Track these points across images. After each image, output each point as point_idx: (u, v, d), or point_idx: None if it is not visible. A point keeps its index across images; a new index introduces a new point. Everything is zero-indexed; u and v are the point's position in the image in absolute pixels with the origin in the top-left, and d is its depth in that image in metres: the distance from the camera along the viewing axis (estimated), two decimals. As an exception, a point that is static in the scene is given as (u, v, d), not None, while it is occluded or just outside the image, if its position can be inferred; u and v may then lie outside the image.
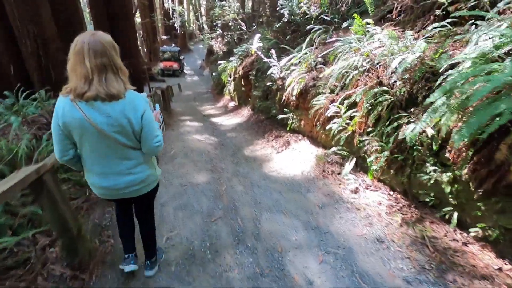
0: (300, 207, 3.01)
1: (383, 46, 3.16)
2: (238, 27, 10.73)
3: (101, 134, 1.43)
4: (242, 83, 8.61)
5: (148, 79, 12.87)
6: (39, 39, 5.38)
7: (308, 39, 5.27)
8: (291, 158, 4.38)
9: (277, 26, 7.88)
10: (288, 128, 5.14)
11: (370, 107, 3.13)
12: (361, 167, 3.34)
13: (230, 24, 12.01)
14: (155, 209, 2.15)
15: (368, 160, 3.10)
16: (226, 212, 2.97)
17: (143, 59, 23.15)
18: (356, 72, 3.44)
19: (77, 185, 3.02)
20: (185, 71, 24.56)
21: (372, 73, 3.28)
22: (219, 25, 13.71)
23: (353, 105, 3.39)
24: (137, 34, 30.15)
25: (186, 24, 32.77)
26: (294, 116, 5.04)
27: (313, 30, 5.33)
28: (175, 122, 7.67)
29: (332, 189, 3.27)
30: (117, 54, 1.44)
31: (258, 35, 6.10)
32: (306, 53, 5.05)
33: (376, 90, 3.01)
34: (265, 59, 6.05)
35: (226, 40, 14.44)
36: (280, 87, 5.56)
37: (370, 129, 3.15)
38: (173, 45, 27.07)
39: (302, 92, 4.61)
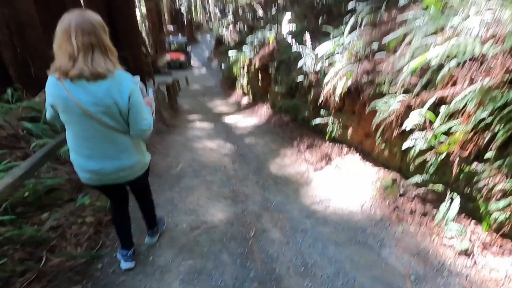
0: (378, 279, 1.89)
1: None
2: (253, 13, 9.45)
3: (87, 114, 1.38)
4: (259, 76, 7.43)
5: (153, 73, 11.77)
6: (12, 24, 4.32)
7: (351, 20, 4.04)
8: (338, 180, 3.25)
9: (302, 8, 6.62)
10: (327, 137, 3.98)
11: (488, 119, 1.96)
12: (467, 210, 2.19)
13: (244, 9, 10.74)
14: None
15: (485, 204, 1.95)
16: (262, 286, 1.87)
17: (148, 49, 22.09)
18: (453, 64, 2.25)
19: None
20: (192, 63, 23.38)
21: (489, 66, 2.09)
22: (230, 11, 12.43)
23: (450, 114, 2.23)
24: (140, 22, 29.02)
25: (193, 13, 31.53)
26: (336, 121, 3.88)
27: (356, 9, 4.11)
28: (182, 123, 6.58)
29: (422, 245, 2.14)
30: (106, 34, 1.39)
31: (288, 15, 4.86)
32: (349, 39, 3.85)
33: (500, 93, 1.83)
34: (294, 48, 4.85)
35: (238, 28, 13.15)
36: (314, 82, 4.38)
37: (487, 153, 1.99)
38: (180, 35, 25.84)
39: (351, 90, 3.44)
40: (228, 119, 7.10)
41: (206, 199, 3.01)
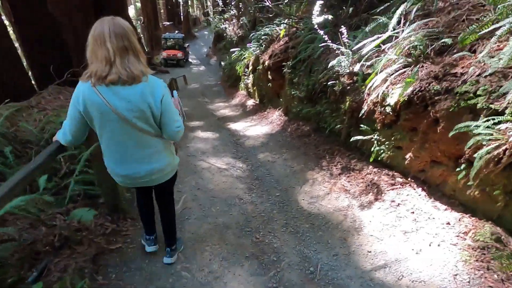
0: None
1: None
2: (260, 3, 8.49)
3: (121, 119, 1.39)
4: (269, 76, 6.51)
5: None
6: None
7: (400, 9, 3.12)
8: (400, 227, 2.37)
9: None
10: (371, 158, 3.09)
11: None
12: None
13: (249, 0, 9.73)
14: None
15: None
16: None
17: (143, 47, 21.01)
18: None
19: None
20: (190, 60, 22.32)
21: None
22: (233, 3, 11.43)
23: None
24: (135, 18, 27.86)
25: (189, 8, 30.35)
26: (385, 140, 2.99)
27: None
28: (181, 132, 5.67)
29: None
30: (136, 38, 1.41)
31: (318, 4, 3.91)
32: (400, 33, 2.95)
33: None
34: (323, 44, 3.94)
35: (242, 22, 12.16)
36: (348, 87, 3.48)
37: None
38: (176, 31, 24.73)
39: (412, 101, 2.55)
40: (235, 126, 6.19)
41: (222, 261, 2.12)
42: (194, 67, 20.71)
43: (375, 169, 3.07)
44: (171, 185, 1.91)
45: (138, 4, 28.56)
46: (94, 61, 1.34)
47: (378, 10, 4.03)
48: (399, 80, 2.77)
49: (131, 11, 30.82)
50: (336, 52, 3.64)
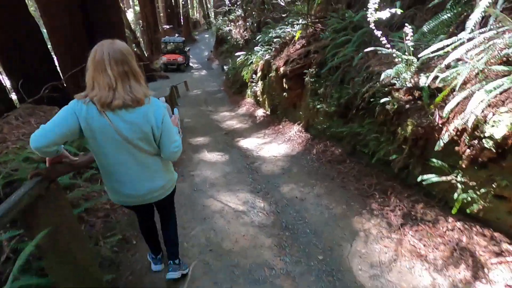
0: None
1: None
2: (271, 1, 7.64)
3: (124, 141, 1.42)
4: (284, 85, 5.64)
5: (146, 79, 9.92)
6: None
7: (483, 2, 2.23)
8: None
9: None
10: (454, 209, 2.19)
11: None
12: None
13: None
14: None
15: None
16: None
17: (142, 51, 20.26)
18: None
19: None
20: (191, 64, 21.56)
21: None
22: (238, 3, 10.58)
23: None
24: (134, 22, 27.14)
25: (190, 11, 29.59)
26: (476, 185, 2.10)
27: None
28: (184, 154, 4.80)
29: None
30: (134, 60, 1.42)
31: None
32: (485, 35, 2.08)
33: None
34: (369, 46, 3.06)
35: (248, 24, 11.31)
36: (407, 106, 2.60)
37: None
38: (176, 35, 23.98)
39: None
40: (246, 143, 5.31)
41: None
42: (195, 72, 19.93)
43: (459, 224, 2.18)
44: (171, 197, 1.90)
45: (137, 8, 27.86)
46: (96, 86, 1.34)
47: (430, 5, 3.18)
48: (504, 102, 1.90)
49: (130, 15, 30.11)
50: (391, 59, 2.77)
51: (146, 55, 22.33)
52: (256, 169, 4.08)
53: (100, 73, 1.32)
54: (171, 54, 18.97)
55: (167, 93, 7.85)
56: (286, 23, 7.15)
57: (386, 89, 2.81)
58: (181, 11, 30.75)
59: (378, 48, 2.81)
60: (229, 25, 13.44)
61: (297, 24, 6.56)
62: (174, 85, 11.51)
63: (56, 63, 5.67)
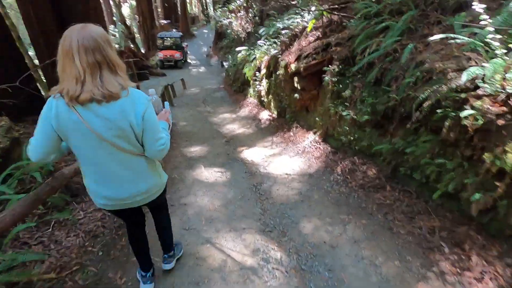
0: None
1: None
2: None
3: (100, 139, 1.27)
4: (295, 85, 4.73)
5: (137, 78, 9.05)
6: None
7: None
8: None
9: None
10: None
11: None
12: None
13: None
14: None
15: None
16: None
17: (138, 47, 19.31)
18: None
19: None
20: (188, 60, 20.57)
21: None
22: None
23: None
24: (130, 16, 26.12)
25: (187, 5, 28.49)
26: None
27: None
28: (176, 169, 3.92)
29: None
30: (112, 48, 1.25)
31: None
32: None
33: None
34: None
35: (251, 14, 10.33)
36: (502, 123, 1.72)
37: None
38: (174, 30, 22.97)
39: None
40: (251, 155, 4.44)
41: None
42: (193, 69, 18.95)
43: None
44: (161, 198, 1.72)
45: (134, 2, 26.83)
46: (65, 78, 1.19)
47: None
48: None
49: (126, 10, 29.04)
50: (457, 52, 1.88)
51: (143, 51, 21.41)
52: (266, 193, 3.21)
53: (68, 63, 1.17)
54: (168, 50, 18.00)
55: (159, 93, 6.94)
56: (296, 12, 6.23)
57: (461, 95, 1.93)
58: (178, 5, 29.64)
59: (452, 35, 1.91)
60: (229, 16, 12.40)
61: (309, 13, 5.64)
62: (170, 84, 10.59)
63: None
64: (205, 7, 31.76)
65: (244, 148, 4.87)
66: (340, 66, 3.50)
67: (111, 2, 24.36)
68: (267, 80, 6.59)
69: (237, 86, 10.23)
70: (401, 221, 2.36)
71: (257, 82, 7.46)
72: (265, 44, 7.10)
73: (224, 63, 15.04)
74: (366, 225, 2.44)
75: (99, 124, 1.24)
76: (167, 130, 1.55)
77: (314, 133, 4.30)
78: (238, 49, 9.22)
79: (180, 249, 2.19)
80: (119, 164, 1.38)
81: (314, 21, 4.98)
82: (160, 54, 17.80)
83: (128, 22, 25.19)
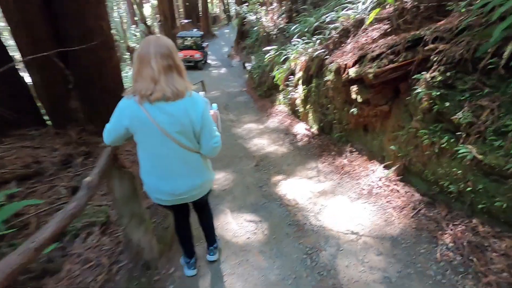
0: None
1: None
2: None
3: (163, 134, 1.43)
4: (354, 95, 3.48)
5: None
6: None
7: None
8: None
9: None
10: None
11: None
12: None
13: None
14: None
15: None
16: None
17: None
18: None
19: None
20: (209, 61, 19.69)
21: None
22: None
23: None
24: (151, 16, 25.74)
25: (208, 4, 27.78)
26: None
27: None
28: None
29: None
30: (177, 55, 1.44)
31: None
32: None
33: None
34: None
35: (285, 8, 9.12)
36: None
37: None
38: (195, 30, 22.21)
39: None
40: (292, 191, 3.26)
41: None
42: (213, 70, 18.01)
43: None
44: (206, 199, 1.91)
45: (155, 1, 26.45)
46: (139, 79, 1.37)
47: None
48: None
49: (147, 9, 28.76)
50: None
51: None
52: (329, 273, 2.02)
53: (144, 66, 1.35)
54: (187, 50, 17.16)
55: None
56: (342, 2, 4.98)
57: None
58: (200, 5, 29.00)
59: None
60: (259, 10, 11.21)
61: (363, 2, 4.37)
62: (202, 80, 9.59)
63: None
64: (226, 6, 30.93)
65: (280, 177, 3.70)
66: (447, 73, 2.24)
67: (132, 1, 24.07)
68: (304, 86, 5.38)
69: (263, 91, 9.08)
70: None
71: (290, 88, 6.26)
72: (301, 43, 5.90)
73: (247, 65, 13.97)
74: None
75: (165, 120, 1.39)
76: (218, 130, 1.64)
77: (385, 166, 3.04)
78: (265, 48, 8.05)
79: (220, 243, 2.33)
80: (178, 159, 1.52)
81: (378, 10, 3.73)
82: (180, 54, 16.95)
83: (149, 22, 24.82)
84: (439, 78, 2.29)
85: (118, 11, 32.25)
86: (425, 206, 2.42)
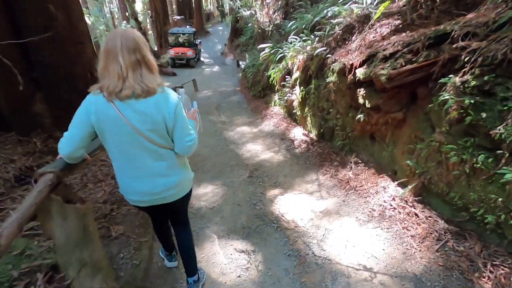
0: None
1: None
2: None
3: (136, 132, 1.35)
4: (361, 100, 3.05)
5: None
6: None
7: None
8: None
9: None
10: None
11: None
12: None
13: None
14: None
15: None
16: None
17: (149, 43, 17.97)
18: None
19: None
20: (202, 59, 19.11)
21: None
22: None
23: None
24: (143, 12, 24.97)
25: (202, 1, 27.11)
26: None
27: None
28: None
29: None
30: (147, 49, 1.38)
31: None
32: None
33: None
34: None
35: (281, 1, 8.64)
36: None
37: None
38: (187, 26, 21.57)
39: None
40: (290, 208, 2.82)
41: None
42: (206, 68, 17.42)
43: None
44: (186, 203, 1.80)
45: (147, -3, 25.67)
46: (106, 75, 1.29)
47: None
48: None
49: (139, 5, 27.93)
50: None
51: (155, 48, 20.13)
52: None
53: (111, 62, 1.27)
54: (179, 47, 16.55)
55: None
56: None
57: None
58: (193, 1, 28.30)
59: None
60: (254, 5, 10.68)
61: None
62: (179, 86, 9.08)
63: None
64: (220, 3, 30.31)
65: (277, 191, 3.26)
66: (484, 77, 1.82)
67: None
68: (302, 88, 4.94)
69: (257, 91, 8.62)
70: None
71: (286, 89, 5.82)
72: (298, 40, 5.46)
73: (241, 63, 13.49)
74: None
75: (136, 118, 1.31)
76: (196, 128, 1.61)
77: (399, 184, 2.62)
78: (261, 46, 7.57)
79: (203, 274, 2.05)
80: (152, 158, 1.43)
81: (388, 3, 3.31)
82: (171, 52, 16.36)
83: (140, 17, 24.04)
84: (473, 82, 1.87)
85: (109, 7, 31.31)
86: (452, 237, 2.01)
